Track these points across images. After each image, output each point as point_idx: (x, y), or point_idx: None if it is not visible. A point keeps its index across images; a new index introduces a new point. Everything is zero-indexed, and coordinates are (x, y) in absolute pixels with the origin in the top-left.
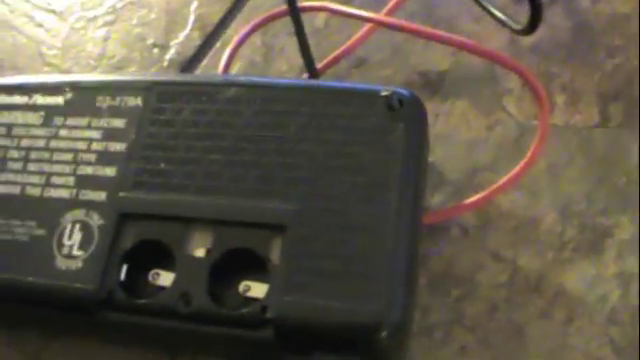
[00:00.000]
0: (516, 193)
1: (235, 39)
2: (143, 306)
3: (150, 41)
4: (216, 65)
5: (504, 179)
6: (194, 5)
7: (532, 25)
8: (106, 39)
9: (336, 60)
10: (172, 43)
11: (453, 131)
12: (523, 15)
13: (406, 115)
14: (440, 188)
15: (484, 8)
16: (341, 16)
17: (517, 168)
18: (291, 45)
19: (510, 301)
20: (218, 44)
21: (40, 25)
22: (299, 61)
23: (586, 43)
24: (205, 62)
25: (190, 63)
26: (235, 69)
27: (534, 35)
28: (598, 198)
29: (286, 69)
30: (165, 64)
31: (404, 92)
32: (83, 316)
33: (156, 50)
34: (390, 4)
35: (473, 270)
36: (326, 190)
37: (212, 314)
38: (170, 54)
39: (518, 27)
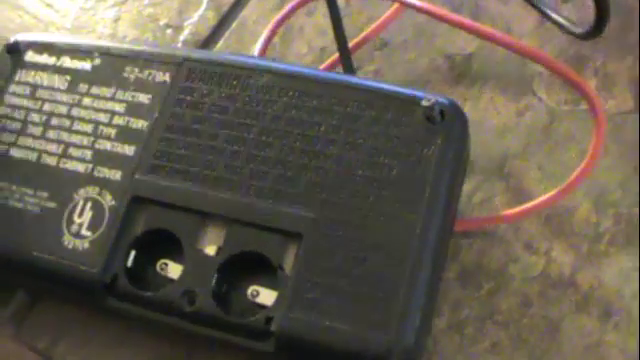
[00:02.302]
0: (548, 182)
1: (273, 20)
2: (146, 298)
3: (163, 21)
4: (232, 47)
5: (541, 199)
6: None
7: (598, 27)
8: (117, 20)
9: (360, 44)
10: (186, 23)
11: (482, 117)
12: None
13: (445, 129)
14: (469, 176)
15: (541, 12)
16: None
17: (554, 191)
18: (309, 26)
19: (544, 295)
20: (234, 24)
21: (49, 5)
22: (318, 42)
23: (618, 24)
24: (221, 43)
25: (205, 44)
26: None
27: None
28: (634, 187)
29: (306, 51)
30: (179, 46)
31: (445, 102)
32: (86, 298)
33: (169, 31)
34: None
35: (505, 263)
36: (349, 201)
37: (214, 317)
38: (184, 35)
39: (579, 30)
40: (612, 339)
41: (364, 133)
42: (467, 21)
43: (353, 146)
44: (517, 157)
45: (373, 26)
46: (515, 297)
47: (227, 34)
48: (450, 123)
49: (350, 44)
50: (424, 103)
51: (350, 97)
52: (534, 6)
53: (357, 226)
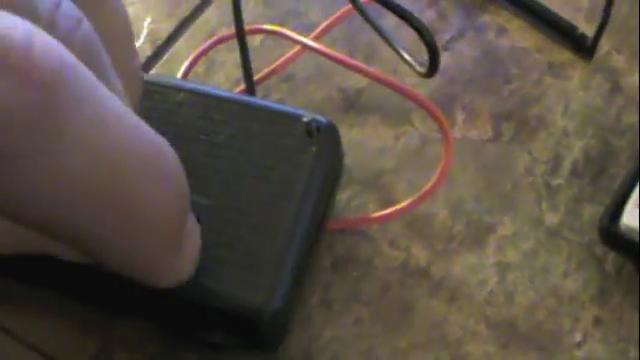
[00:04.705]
0: (414, 194)
1: (192, 56)
2: None
3: None
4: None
5: (403, 204)
6: (147, 21)
7: (431, 70)
8: None
9: (267, 76)
10: None
11: (365, 139)
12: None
13: (320, 140)
14: (349, 186)
15: (393, 48)
16: (276, 37)
17: (414, 198)
18: (230, 60)
19: (402, 283)
20: (166, 56)
21: None
22: (235, 74)
23: (486, 70)
24: (153, 71)
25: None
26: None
27: (443, 61)
28: (485, 200)
29: (224, 80)
30: None
31: (323, 120)
32: None
33: None
34: (318, 29)
35: (371, 256)
36: (239, 192)
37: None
38: None
39: (421, 70)
40: (455, 319)
41: (256, 141)
42: (357, 63)
43: (246, 151)
44: (391, 173)
45: (279, 61)
46: (377, 283)
47: (159, 64)
48: (324, 136)
49: (260, 75)
50: (304, 119)
51: (246, 113)
52: (389, 44)
53: (242, 211)
